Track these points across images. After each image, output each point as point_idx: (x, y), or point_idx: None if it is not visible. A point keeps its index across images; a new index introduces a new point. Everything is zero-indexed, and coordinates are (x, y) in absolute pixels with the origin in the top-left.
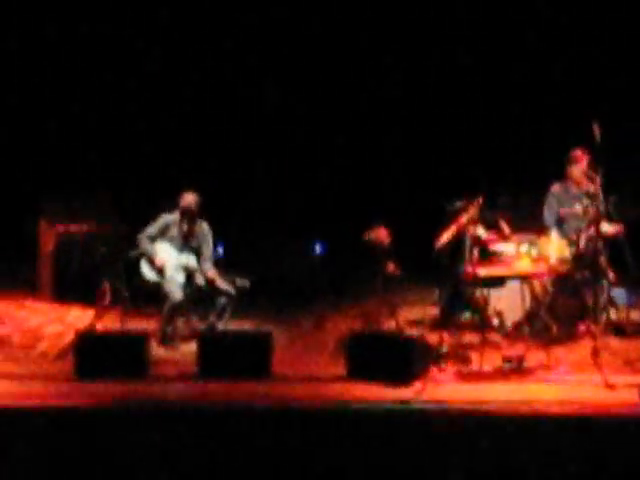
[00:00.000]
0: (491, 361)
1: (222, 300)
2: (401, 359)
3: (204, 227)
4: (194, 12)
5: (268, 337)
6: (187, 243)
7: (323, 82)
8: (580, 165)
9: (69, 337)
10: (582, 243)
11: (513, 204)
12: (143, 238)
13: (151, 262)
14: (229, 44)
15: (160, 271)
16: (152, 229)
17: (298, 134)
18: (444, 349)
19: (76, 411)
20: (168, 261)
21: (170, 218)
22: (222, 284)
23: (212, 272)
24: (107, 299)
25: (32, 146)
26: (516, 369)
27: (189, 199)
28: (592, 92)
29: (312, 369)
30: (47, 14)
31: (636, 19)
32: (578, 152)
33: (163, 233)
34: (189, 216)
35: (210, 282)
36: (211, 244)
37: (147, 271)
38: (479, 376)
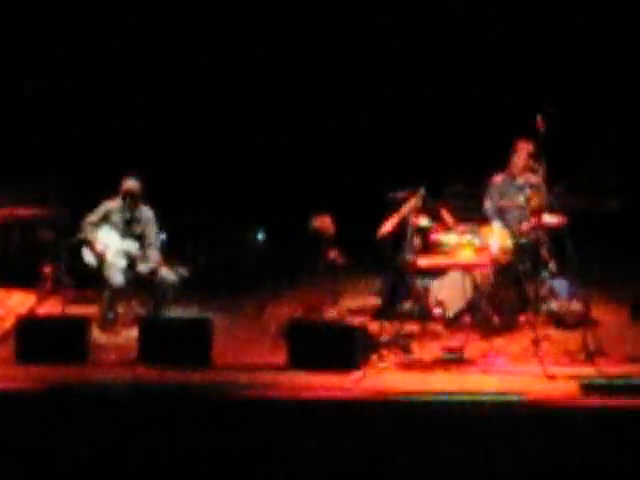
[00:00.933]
0: (432, 351)
1: (163, 287)
2: (342, 348)
3: (148, 213)
4: None
5: (208, 324)
6: (130, 229)
7: (269, 65)
8: (522, 155)
9: (10, 321)
10: (523, 233)
11: (457, 194)
12: (85, 224)
13: (92, 249)
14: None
15: (100, 258)
16: (94, 216)
17: (242, 119)
18: (385, 338)
19: (16, 395)
20: (109, 247)
21: (112, 204)
22: (164, 271)
23: (155, 259)
24: (48, 284)
25: None
26: (457, 359)
27: (130, 183)
28: (537, 81)
29: (253, 357)
30: None
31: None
32: (519, 142)
33: (105, 219)
34: (130, 201)
35: (152, 269)
36: (155, 230)
37: (89, 256)
38: (419, 365)
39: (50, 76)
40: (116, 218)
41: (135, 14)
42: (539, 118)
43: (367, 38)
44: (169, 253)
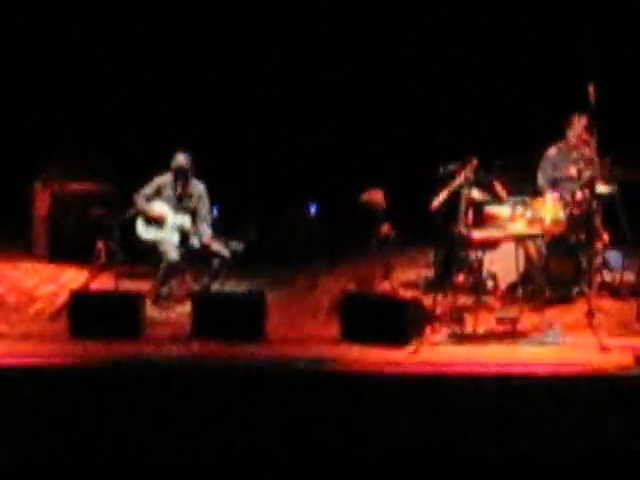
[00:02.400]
0: (485, 323)
1: (216, 262)
2: (395, 321)
3: (200, 188)
4: None
5: (261, 298)
6: (182, 204)
7: (316, 46)
8: (577, 129)
9: (63, 297)
10: (577, 205)
11: (509, 166)
12: (139, 197)
13: (148, 219)
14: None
15: (159, 223)
16: (147, 189)
17: (294, 97)
18: (438, 311)
19: (70, 371)
20: (166, 214)
21: (163, 179)
22: (217, 246)
23: (208, 233)
24: (102, 259)
25: (27, 108)
26: (510, 331)
27: (180, 159)
28: (589, 54)
29: (306, 331)
30: None
31: None
32: (573, 116)
33: (158, 194)
34: (182, 176)
35: (205, 244)
36: (207, 205)
37: (143, 230)
38: (473, 338)
39: (97, 54)
40: (168, 193)
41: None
42: (591, 89)
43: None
44: (222, 227)
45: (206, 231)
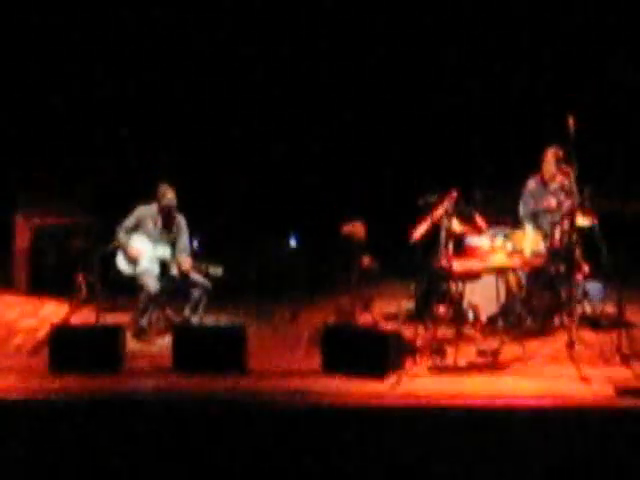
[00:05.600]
0: (466, 354)
1: (196, 292)
2: (376, 353)
3: (180, 220)
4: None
5: (242, 331)
6: (163, 235)
7: (298, 74)
8: (551, 161)
9: (44, 331)
10: (557, 236)
11: (488, 198)
12: (120, 230)
13: (126, 254)
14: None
15: (134, 262)
16: (128, 221)
17: (274, 127)
18: (419, 343)
19: (51, 405)
20: (144, 253)
21: (145, 211)
22: (197, 277)
23: (188, 264)
24: (82, 293)
25: (6, 140)
26: (491, 362)
27: (169, 196)
28: (568, 86)
29: (287, 363)
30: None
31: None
32: (549, 149)
33: (139, 225)
34: (168, 211)
35: (185, 274)
36: (187, 236)
37: (123, 264)
38: (454, 369)
39: (77, 87)
40: (149, 225)
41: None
42: (570, 120)
43: (400, 41)
44: (202, 260)
45: (186, 261)
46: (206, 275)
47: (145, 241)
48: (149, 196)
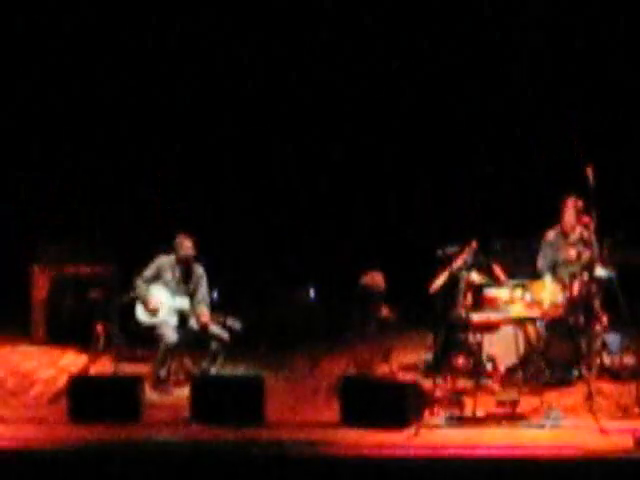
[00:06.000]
0: (485, 406)
1: (215, 345)
2: (395, 404)
3: (199, 270)
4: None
5: (261, 382)
6: (182, 286)
7: (310, 120)
8: (570, 212)
9: (62, 381)
10: (575, 288)
11: (507, 249)
12: (139, 280)
13: (145, 306)
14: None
15: (154, 314)
16: (148, 272)
17: (290, 176)
18: (438, 394)
19: (70, 455)
20: (162, 304)
21: (164, 261)
22: (216, 329)
23: (206, 316)
24: (101, 342)
25: (24, 190)
26: (510, 414)
27: (188, 247)
28: (587, 136)
29: (305, 414)
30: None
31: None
32: (568, 200)
33: (158, 276)
34: (186, 262)
35: (204, 326)
36: (206, 287)
37: (141, 314)
38: (472, 421)
39: (97, 136)
40: (168, 276)
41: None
42: (589, 171)
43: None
44: (220, 310)
45: (205, 313)
46: (224, 326)
47: (164, 292)
48: (169, 246)
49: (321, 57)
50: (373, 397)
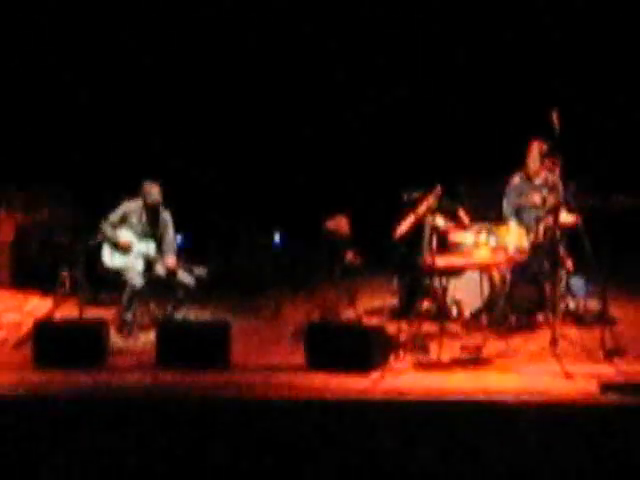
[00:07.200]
0: (449, 350)
1: (181, 292)
2: (360, 349)
3: (166, 216)
4: None
5: (226, 326)
6: (148, 231)
7: (285, 68)
8: (535, 156)
9: (27, 326)
10: (540, 232)
11: (472, 193)
12: (105, 224)
13: (114, 246)
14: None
15: (126, 251)
16: (114, 216)
17: (259, 123)
18: (403, 339)
19: (34, 400)
20: (131, 243)
21: (130, 206)
22: (182, 275)
23: (172, 261)
24: (66, 287)
25: None
26: (474, 359)
27: (155, 193)
28: (552, 80)
29: (271, 359)
30: None
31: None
32: (532, 143)
33: (124, 221)
34: (154, 208)
35: (170, 272)
36: (172, 233)
37: (108, 258)
38: (437, 365)
39: (64, 83)
40: (135, 220)
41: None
42: (555, 115)
43: (384, 36)
44: (186, 255)
45: (171, 258)
46: (190, 272)
47: (130, 235)
48: (134, 192)
49: None
50: (338, 342)
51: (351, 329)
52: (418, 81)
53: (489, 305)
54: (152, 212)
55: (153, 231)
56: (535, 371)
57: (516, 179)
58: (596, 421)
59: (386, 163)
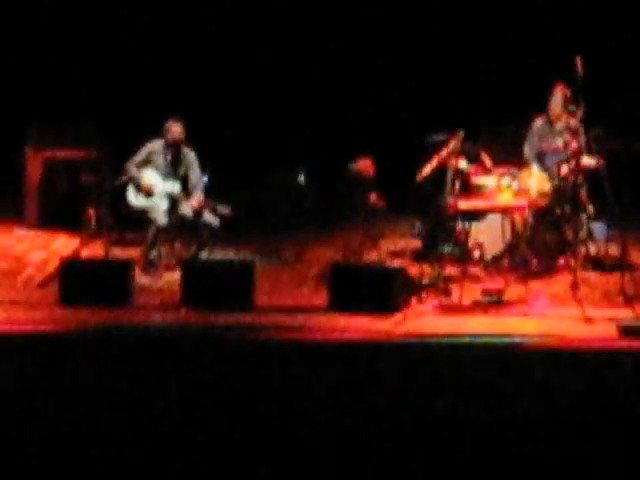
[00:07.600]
0: (471, 294)
1: (206, 233)
2: (382, 291)
3: (190, 155)
4: None
5: (251, 267)
6: (172, 171)
7: (307, 9)
8: (558, 99)
9: (54, 264)
10: (562, 176)
11: (495, 136)
12: (130, 164)
13: (138, 187)
14: None
15: (148, 194)
16: (138, 156)
17: (283, 65)
18: (425, 281)
19: (60, 337)
20: (155, 185)
21: (154, 146)
22: (207, 215)
23: (198, 200)
24: (92, 226)
25: (17, 74)
26: (495, 302)
27: (175, 132)
28: (576, 25)
29: (294, 300)
30: None
31: None
32: (556, 86)
33: (148, 161)
34: (176, 146)
35: (195, 211)
36: (197, 172)
37: (133, 198)
38: (459, 309)
39: (92, 23)
40: (159, 160)
41: None
42: (578, 60)
43: None
44: (210, 196)
45: (197, 198)
46: (214, 212)
47: (155, 175)
48: (159, 131)
49: None
50: (361, 283)
51: (374, 271)
52: (441, 24)
53: (511, 248)
54: (174, 151)
55: (177, 170)
56: (555, 315)
57: (538, 122)
58: (615, 364)
59: (411, 106)
